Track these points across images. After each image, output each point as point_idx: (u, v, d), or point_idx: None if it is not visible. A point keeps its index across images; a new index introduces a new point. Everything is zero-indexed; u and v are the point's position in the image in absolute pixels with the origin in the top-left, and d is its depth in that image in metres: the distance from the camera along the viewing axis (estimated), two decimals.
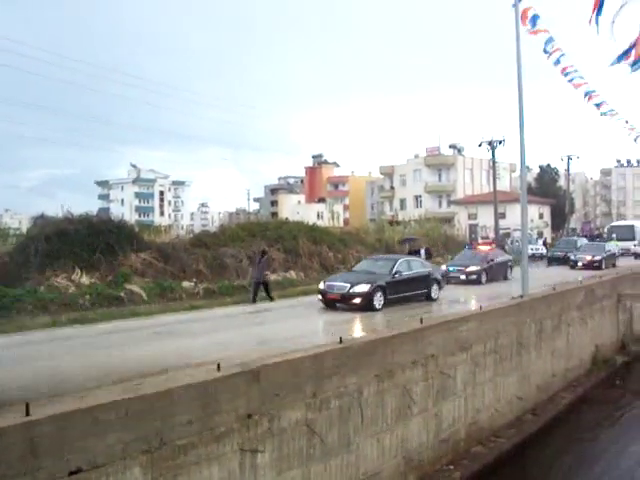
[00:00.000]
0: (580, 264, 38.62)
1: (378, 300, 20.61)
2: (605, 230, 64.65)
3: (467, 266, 29.80)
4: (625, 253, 50.50)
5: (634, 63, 17.83)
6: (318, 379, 11.95)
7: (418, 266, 23.49)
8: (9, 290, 19.69)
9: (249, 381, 10.51)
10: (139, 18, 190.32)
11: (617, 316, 30.33)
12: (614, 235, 54.60)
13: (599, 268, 37.35)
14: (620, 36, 17.07)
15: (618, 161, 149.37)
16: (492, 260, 30.85)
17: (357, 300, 20.42)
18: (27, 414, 7.71)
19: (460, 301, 24.01)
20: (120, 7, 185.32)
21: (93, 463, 8.09)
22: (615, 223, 69.31)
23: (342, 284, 20.95)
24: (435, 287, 23.43)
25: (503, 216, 62.99)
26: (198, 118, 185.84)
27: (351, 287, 20.52)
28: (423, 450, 15.11)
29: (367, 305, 20.32)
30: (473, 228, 68.25)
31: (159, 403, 9.05)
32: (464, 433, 16.89)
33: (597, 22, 16.94)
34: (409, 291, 22.20)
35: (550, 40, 22.80)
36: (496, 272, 30.83)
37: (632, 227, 58.63)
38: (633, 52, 17.16)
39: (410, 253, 32.44)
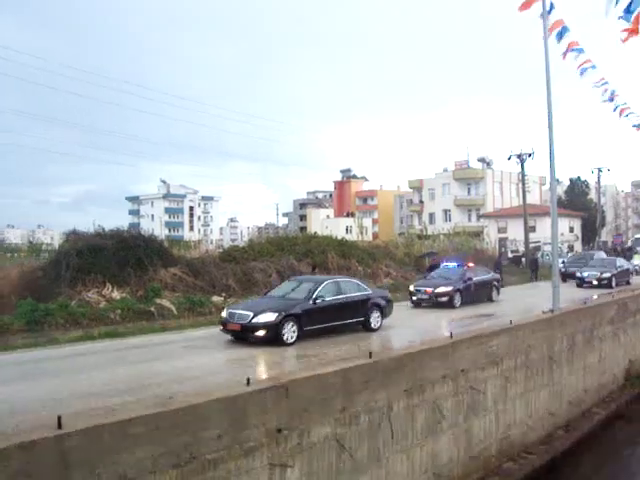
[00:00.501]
0: (587, 282, 34.44)
1: (289, 332, 16.80)
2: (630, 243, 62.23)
3: (436, 286, 26.07)
4: None
5: None
6: (347, 394, 11.93)
7: (353, 289, 19.45)
8: (41, 304, 19.93)
9: (278, 396, 10.52)
10: (171, 36, 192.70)
11: None
12: (639, 248, 52.50)
13: (608, 286, 33.30)
14: None
15: None
16: (469, 279, 27.02)
17: (261, 333, 16.56)
18: (59, 427, 7.80)
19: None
20: (151, 25, 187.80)
21: (124, 477, 8.15)
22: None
23: (244, 312, 17.12)
24: (376, 314, 19.49)
25: (533, 229, 62.53)
26: (227, 134, 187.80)
27: (254, 316, 16.75)
28: (453, 466, 14.98)
29: (274, 338, 16.51)
30: (503, 242, 67.68)
31: (188, 417, 9.09)
32: (495, 449, 16.72)
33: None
34: (337, 320, 18.36)
35: (580, 51, 22.73)
36: (477, 293, 27.26)
37: None
38: None
39: (431, 268, 31.69)
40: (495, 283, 29.01)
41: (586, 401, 22.16)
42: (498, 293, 28.98)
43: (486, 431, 16.39)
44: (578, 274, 35.45)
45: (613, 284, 33.81)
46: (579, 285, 34.47)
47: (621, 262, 37.35)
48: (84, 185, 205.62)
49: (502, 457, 16.90)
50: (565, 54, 22.40)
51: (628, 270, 37.15)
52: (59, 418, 7.88)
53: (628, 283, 35.44)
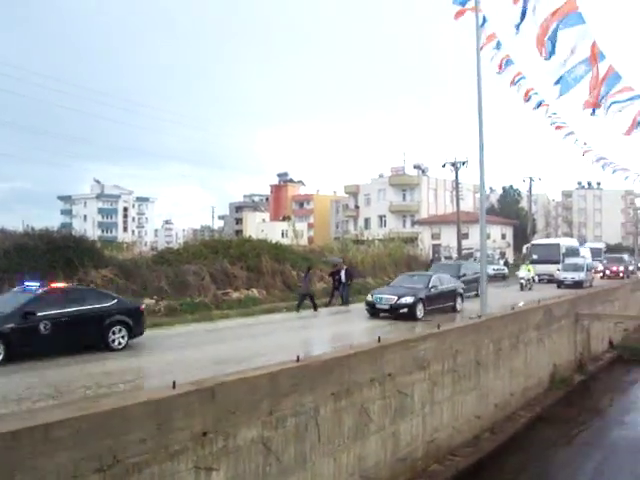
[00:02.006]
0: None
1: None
2: (525, 250, 56.29)
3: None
4: (545, 279, 43.55)
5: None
6: (274, 397, 11.98)
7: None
8: None
9: (204, 399, 10.50)
10: (103, 33, 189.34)
11: (575, 336, 30.75)
12: (535, 256, 47.54)
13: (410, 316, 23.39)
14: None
15: (579, 183, 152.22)
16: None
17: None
18: None
19: None
20: (83, 21, 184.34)
21: None
22: (537, 241, 58.71)
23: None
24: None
25: (466, 236, 63.70)
26: (163, 135, 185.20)
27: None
28: (380, 469, 15.16)
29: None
30: (436, 248, 68.79)
31: (112, 420, 9.01)
32: (422, 452, 16.99)
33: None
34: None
35: (509, 62, 23.34)
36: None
37: (557, 246, 48.95)
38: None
39: (332, 275, 30.49)
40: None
41: (512, 404, 22.71)
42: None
43: (413, 434, 16.64)
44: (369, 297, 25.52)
45: (417, 313, 23.57)
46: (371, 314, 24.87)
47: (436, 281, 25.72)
48: (13, 183, 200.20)
49: (429, 460, 17.19)
50: (500, 65, 22.99)
51: (453, 291, 26.57)
52: None
53: (454, 309, 26.08)
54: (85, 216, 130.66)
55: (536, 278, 42.12)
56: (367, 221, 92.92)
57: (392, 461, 15.65)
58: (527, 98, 25.33)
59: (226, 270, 30.34)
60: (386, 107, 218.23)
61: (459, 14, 21.90)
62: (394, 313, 23.61)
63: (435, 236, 76.88)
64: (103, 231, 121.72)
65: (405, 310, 23.39)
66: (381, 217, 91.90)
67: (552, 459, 19.95)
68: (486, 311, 22.48)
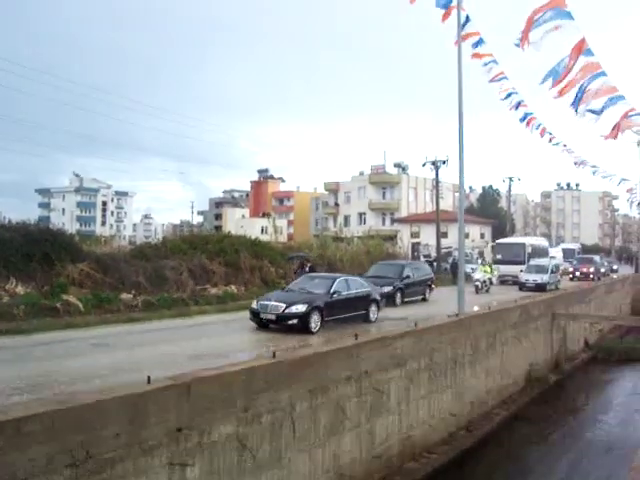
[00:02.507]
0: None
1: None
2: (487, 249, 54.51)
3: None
4: (510, 281, 41.14)
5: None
6: (250, 393, 11.98)
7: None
8: None
9: (180, 395, 10.49)
10: (85, 25, 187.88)
11: (552, 335, 31.03)
12: (499, 256, 45.52)
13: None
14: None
15: (558, 184, 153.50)
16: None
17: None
18: None
19: None
20: (61, 11, 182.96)
21: (14, 477, 7.96)
22: (502, 240, 54.62)
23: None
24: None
25: (445, 235, 63.92)
26: (143, 129, 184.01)
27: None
28: (356, 466, 15.22)
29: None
30: (416, 246, 68.97)
31: (86, 415, 8.98)
32: (397, 449, 17.07)
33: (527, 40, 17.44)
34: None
35: (492, 62, 23.48)
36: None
37: (522, 245, 46.46)
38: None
39: (296, 272, 29.58)
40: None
41: (488, 402, 22.88)
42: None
43: (389, 431, 16.72)
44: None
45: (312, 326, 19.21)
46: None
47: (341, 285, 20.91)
48: None
49: (404, 457, 17.28)
50: (485, 65, 23.14)
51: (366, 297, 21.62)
52: None
53: (366, 319, 21.28)
54: (63, 209, 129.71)
55: (494, 280, 38.64)
56: (347, 218, 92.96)
57: (368, 458, 15.72)
58: (506, 97, 25.54)
59: (204, 266, 30.20)
60: (367, 105, 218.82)
61: (446, 16, 21.96)
62: (282, 325, 18.78)
63: (415, 234, 77.08)
64: (81, 225, 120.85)
65: (295, 321, 18.49)
66: (361, 215, 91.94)
67: (527, 457, 20.17)
68: (463, 310, 22.56)
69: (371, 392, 15.88)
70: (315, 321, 18.87)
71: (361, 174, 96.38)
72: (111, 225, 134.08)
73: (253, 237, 39.49)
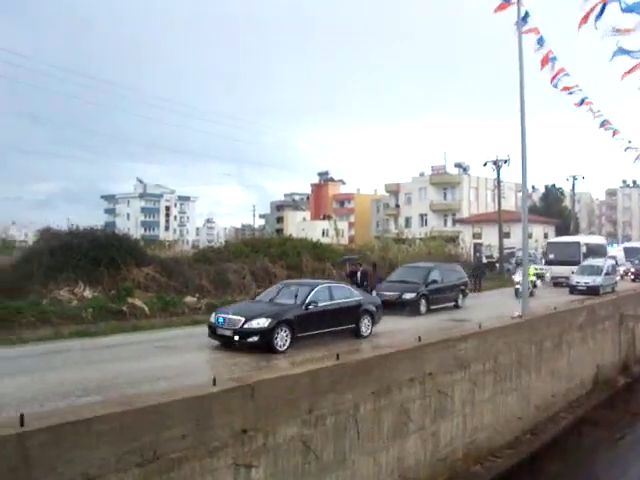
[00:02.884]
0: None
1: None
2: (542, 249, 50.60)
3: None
4: (564, 283, 37.18)
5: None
6: (314, 395, 12.02)
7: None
8: (11, 302, 19.78)
9: (244, 396, 10.58)
10: (146, 35, 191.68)
11: (619, 337, 30.25)
12: (552, 256, 42.28)
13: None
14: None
15: (624, 182, 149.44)
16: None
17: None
18: (22, 425, 7.81)
19: None
20: (125, 24, 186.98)
21: (86, 475, 8.18)
22: (554, 239, 52.17)
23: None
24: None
25: (508, 235, 62.92)
26: (205, 134, 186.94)
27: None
28: (420, 469, 15.12)
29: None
30: (478, 247, 68.09)
31: (153, 416, 9.13)
32: (462, 452, 16.89)
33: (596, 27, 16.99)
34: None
35: (553, 59, 23.05)
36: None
37: (577, 245, 42.63)
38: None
39: (350, 276, 26.95)
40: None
41: (554, 406, 22.43)
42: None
43: (453, 434, 16.55)
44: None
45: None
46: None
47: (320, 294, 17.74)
48: (59, 183, 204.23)
49: (469, 460, 17.07)
50: (542, 63, 22.73)
51: (355, 309, 18.50)
52: (21, 416, 7.88)
53: (357, 334, 18.31)
54: (128, 215, 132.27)
55: (538, 282, 34.95)
56: (408, 220, 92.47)
57: (432, 461, 15.59)
58: (569, 93, 25.05)
59: (267, 268, 30.51)
60: (428, 105, 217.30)
61: (500, 8, 21.62)
62: (240, 343, 15.46)
63: (476, 235, 76.03)
64: (146, 230, 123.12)
65: (255, 339, 15.28)
66: (422, 216, 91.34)
67: (596, 463, 19.70)
68: (527, 311, 22.18)
69: (435, 394, 15.75)
70: (282, 338, 15.44)
71: (421, 175, 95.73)
72: (174, 230, 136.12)
73: (314, 240, 39.72)
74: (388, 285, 24.99)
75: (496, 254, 57.82)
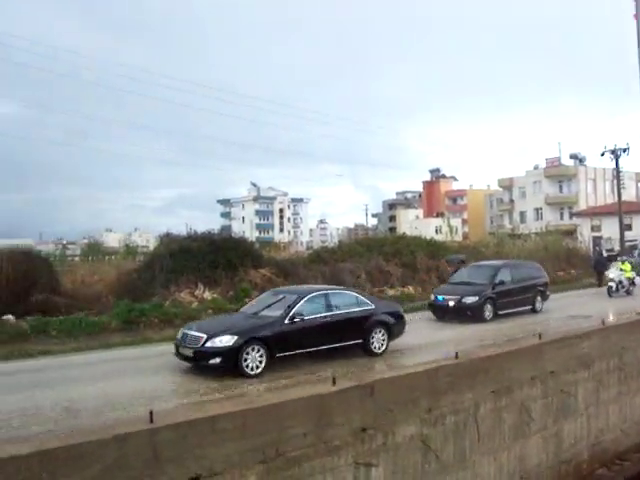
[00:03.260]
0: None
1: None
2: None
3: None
4: None
5: None
6: (433, 394, 11.93)
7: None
8: (137, 305, 20.65)
9: (363, 395, 10.63)
10: (254, 39, 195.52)
11: None
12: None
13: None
14: None
15: None
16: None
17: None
18: (151, 421, 8.15)
19: None
20: (233, 29, 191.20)
21: (211, 471, 8.45)
22: None
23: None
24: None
25: (629, 227, 60.46)
26: (315, 136, 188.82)
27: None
28: (542, 470, 14.75)
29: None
30: (597, 240, 65.66)
31: (275, 415, 9.32)
32: (587, 454, 16.33)
33: None
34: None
35: None
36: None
37: None
38: None
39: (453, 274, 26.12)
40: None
41: None
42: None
43: (577, 436, 16.03)
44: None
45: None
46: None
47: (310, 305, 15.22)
48: (177, 189, 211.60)
49: (594, 463, 16.50)
50: None
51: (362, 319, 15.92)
52: (151, 413, 8.23)
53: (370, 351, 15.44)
54: (243, 218, 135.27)
55: (638, 280, 30.74)
56: (522, 214, 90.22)
57: (555, 463, 15.17)
58: None
59: (381, 267, 30.51)
60: (540, 97, 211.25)
61: None
62: (200, 365, 13.27)
63: (595, 228, 73.28)
64: (260, 232, 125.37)
65: (217, 361, 12.80)
66: (537, 210, 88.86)
67: None
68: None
69: (557, 394, 15.30)
70: (254, 359, 12.84)
71: (535, 168, 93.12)
72: (288, 231, 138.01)
73: (428, 237, 39.44)
74: (447, 288, 22.75)
75: (617, 247, 55.60)
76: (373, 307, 15.46)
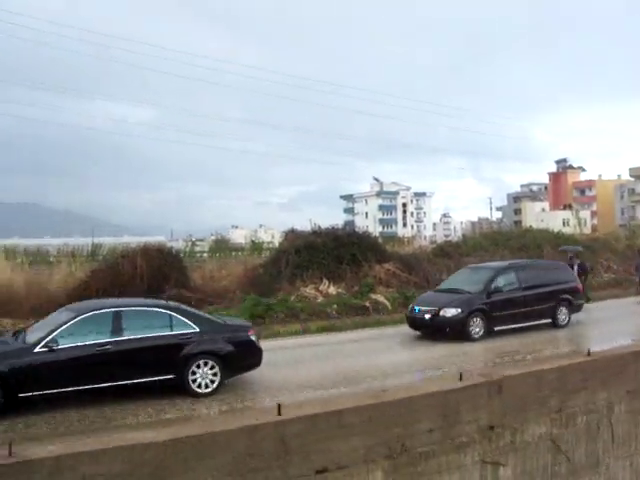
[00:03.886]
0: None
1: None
2: None
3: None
4: None
5: None
6: (563, 393, 11.51)
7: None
8: (263, 299, 21.13)
9: (491, 392, 10.39)
10: (378, 34, 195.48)
11: None
12: None
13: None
14: None
15: None
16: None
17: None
18: (279, 414, 8.31)
19: None
20: (357, 27, 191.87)
21: (338, 464, 8.50)
22: None
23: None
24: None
25: None
26: (437, 130, 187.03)
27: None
28: None
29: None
30: None
31: (400, 410, 9.26)
32: None
33: None
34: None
35: None
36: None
37: None
38: None
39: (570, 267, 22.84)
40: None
41: None
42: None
43: None
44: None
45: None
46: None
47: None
48: (300, 186, 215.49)
49: None
50: None
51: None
52: (279, 406, 8.38)
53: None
54: (366, 213, 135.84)
55: None
56: None
57: None
58: None
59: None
60: None
61: None
62: None
63: None
64: (383, 227, 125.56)
65: None
66: None
67: None
68: None
69: None
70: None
71: None
72: (412, 226, 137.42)
73: (555, 230, 38.35)
74: (429, 296, 19.20)
75: None
76: (196, 330, 11.68)
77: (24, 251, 32.67)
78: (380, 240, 33.17)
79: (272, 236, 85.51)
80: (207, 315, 12.85)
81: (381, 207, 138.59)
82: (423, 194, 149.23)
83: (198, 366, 11.40)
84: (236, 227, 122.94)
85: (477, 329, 16.78)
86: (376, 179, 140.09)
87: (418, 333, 17.73)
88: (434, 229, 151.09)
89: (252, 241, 48.39)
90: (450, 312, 16.79)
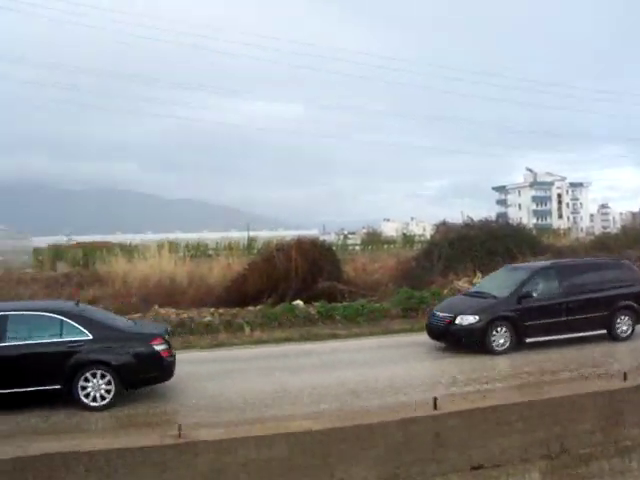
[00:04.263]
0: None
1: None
2: None
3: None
4: None
5: None
6: None
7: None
8: (415, 292, 21.06)
9: None
10: (536, 25, 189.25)
11: None
12: None
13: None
14: None
15: None
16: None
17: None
18: (435, 408, 8.30)
19: None
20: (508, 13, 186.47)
21: (493, 461, 8.39)
22: None
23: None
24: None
25: None
26: (594, 116, 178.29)
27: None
28: None
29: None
30: None
31: (559, 408, 9.01)
32: None
33: None
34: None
35: None
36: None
37: None
38: None
39: None
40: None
41: None
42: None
43: None
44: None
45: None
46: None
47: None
48: (451, 178, 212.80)
49: None
50: None
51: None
52: (435, 399, 8.37)
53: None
54: (519, 205, 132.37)
55: None
56: None
57: None
58: None
59: None
60: None
61: None
62: None
63: None
64: (537, 219, 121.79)
65: None
66: None
67: None
68: None
69: None
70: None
71: None
72: (567, 217, 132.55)
73: None
74: (453, 300, 16.57)
75: None
76: (87, 338, 10.57)
77: (186, 245, 34.44)
78: (534, 232, 32.30)
79: (423, 229, 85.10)
80: (112, 322, 11.45)
81: (535, 198, 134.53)
82: (579, 184, 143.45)
83: (90, 377, 10.37)
84: (388, 220, 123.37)
85: (501, 340, 13.94)
86: (529, 170, 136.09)
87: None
88: (591, 220, 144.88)
89: (403, 234, 48.46)
90: (467, 320, 14.15)
